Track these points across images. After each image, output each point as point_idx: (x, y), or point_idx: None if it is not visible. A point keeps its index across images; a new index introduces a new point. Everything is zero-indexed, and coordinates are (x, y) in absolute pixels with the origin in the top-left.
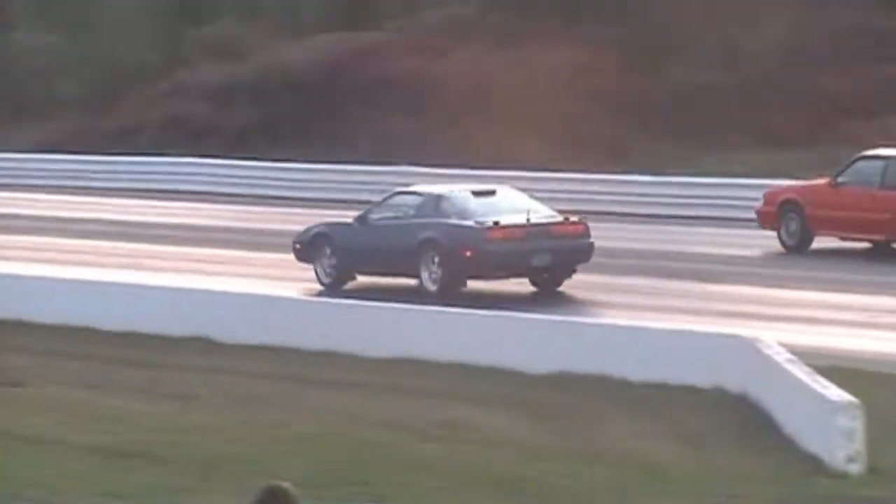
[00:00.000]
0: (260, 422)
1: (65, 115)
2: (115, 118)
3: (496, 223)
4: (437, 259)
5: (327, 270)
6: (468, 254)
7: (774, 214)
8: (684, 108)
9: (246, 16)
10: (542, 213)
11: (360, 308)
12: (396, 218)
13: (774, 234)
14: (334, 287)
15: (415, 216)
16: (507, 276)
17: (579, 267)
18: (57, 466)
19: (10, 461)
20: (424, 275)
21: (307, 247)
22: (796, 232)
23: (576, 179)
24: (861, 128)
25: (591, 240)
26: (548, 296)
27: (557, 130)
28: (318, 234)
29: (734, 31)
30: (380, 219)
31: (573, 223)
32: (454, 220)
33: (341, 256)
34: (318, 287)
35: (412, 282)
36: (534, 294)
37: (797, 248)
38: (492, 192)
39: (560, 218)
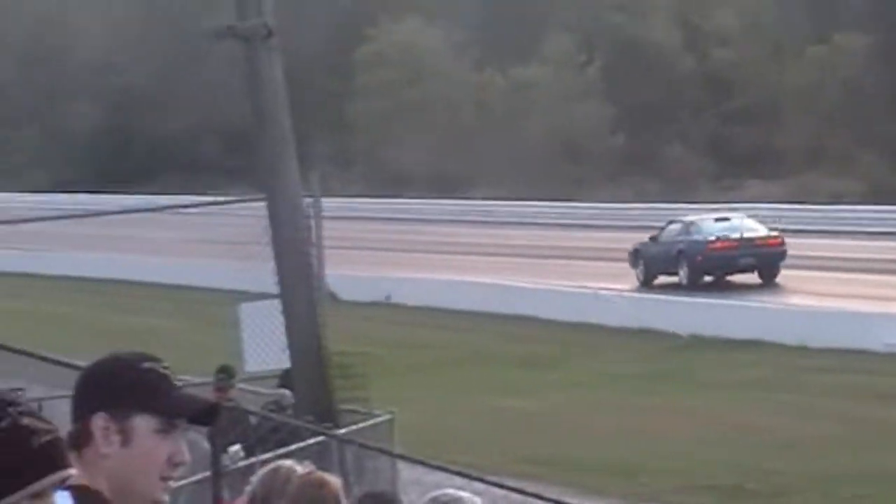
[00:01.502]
0: None
1: None
2: None
3: (717, 238)
4: (684, 262)
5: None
6: (699, 259)
7: (630, 258)
8: None
9: None
10: (755, 232)
11: None
12: (668, 238)
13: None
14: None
15: (676, 235)
16: (725, 275)
17: None
18: None
19: None
20: (681, 273)
21: (630, 256)
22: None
23: None
24: None
25: (784, 248)
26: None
27: None
28: (633, 250)
29: None
30: (662, 239)
31: (772, 237)
32: (694, 238)
33: (646, 264)
34: None
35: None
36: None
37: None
38: (726, 219)
39: (765, 234)
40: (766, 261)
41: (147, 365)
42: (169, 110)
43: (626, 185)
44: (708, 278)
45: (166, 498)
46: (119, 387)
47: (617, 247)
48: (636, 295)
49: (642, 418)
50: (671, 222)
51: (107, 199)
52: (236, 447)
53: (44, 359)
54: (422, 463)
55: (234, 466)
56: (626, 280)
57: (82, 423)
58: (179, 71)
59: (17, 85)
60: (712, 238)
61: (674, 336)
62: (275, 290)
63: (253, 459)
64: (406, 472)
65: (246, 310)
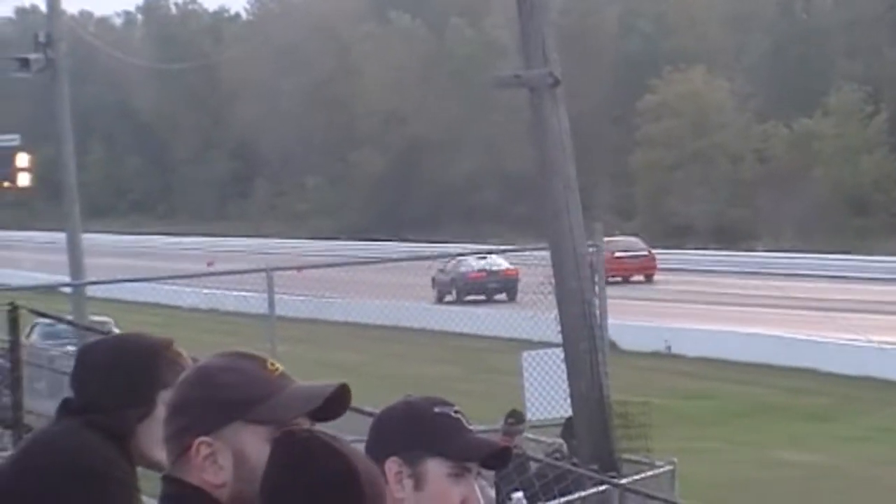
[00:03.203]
0: None
1: None
2: None
3: (475, 270)
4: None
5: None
6: (462, 284)
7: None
8: None
9: None
10: (499, 266)
11: None
12: (449, 269)
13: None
14: None
15: (452, 268)
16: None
17: None
18: None
19: None
20: (453, 293)
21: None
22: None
23: None
24: None
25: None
26: None
27: None
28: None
29: None
30: (446, 270)
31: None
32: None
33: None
34: None
35: None
36: None
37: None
38: (484, 257)
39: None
40: (507, 285)
41: (439, 409)
42: (452, 158)
43: None
44: (470, 297)
45: None
46: (411, 431)
47: None
48: None
49: None
50: (453, 258)
51: (390, 246)
52: (519, 494)
53: None
54: None
55: None
56: None
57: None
58: (462, 119)
59: (304, 134)
60: (472, 270)
61: None
62: (556, 338)
63: None
64: None
65: (528, 358)
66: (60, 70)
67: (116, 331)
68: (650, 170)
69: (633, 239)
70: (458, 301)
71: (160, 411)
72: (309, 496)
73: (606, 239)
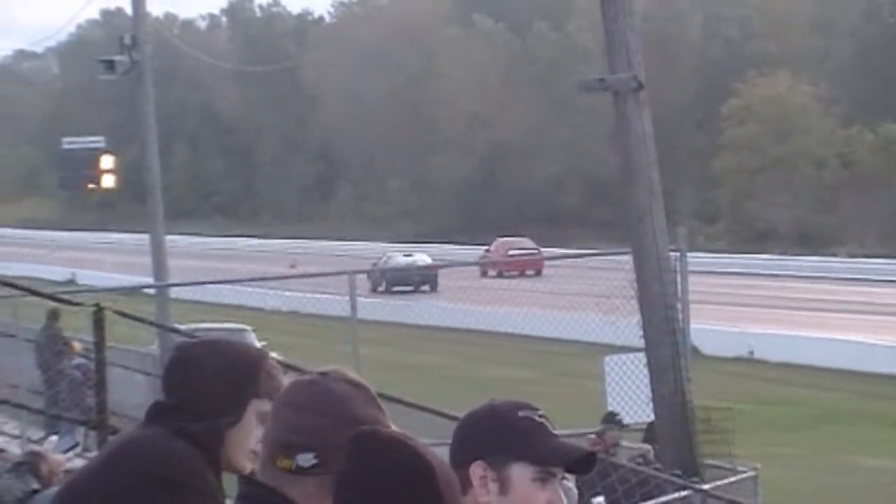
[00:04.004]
0: None
1: None
2: None
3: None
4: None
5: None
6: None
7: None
8: None
9: None
10: (425, 262)
11: None
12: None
13: None
14: None
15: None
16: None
17: None
18: None
19: None
20: (383, 285)
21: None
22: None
23: None
24: None
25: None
26: None
27: None
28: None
29: None
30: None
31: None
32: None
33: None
34: None
35: None
36: None
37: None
38: (410, 255)
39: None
40: (428, 278)
41: (523, 413)
42: (534, 161)
43: None
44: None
45: None
46: (496, 435)
47: None
48: None
49: None
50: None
51: (473, 251)
52: (600, 499)
53: (417, 407)
54: None
55: None
56: None
57: (460, 472)
58: (545, 123)
59: (386, 137)
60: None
61: None
62: (638, 343)
63: None
64: None
65: (610, 362)
66: (145, 72)
67: (256, 341)
68: (733, 174)
69: (523, 239)
70: (387, 291)
71: (250, 420)
72: (386, 492)
73: (501, 239)
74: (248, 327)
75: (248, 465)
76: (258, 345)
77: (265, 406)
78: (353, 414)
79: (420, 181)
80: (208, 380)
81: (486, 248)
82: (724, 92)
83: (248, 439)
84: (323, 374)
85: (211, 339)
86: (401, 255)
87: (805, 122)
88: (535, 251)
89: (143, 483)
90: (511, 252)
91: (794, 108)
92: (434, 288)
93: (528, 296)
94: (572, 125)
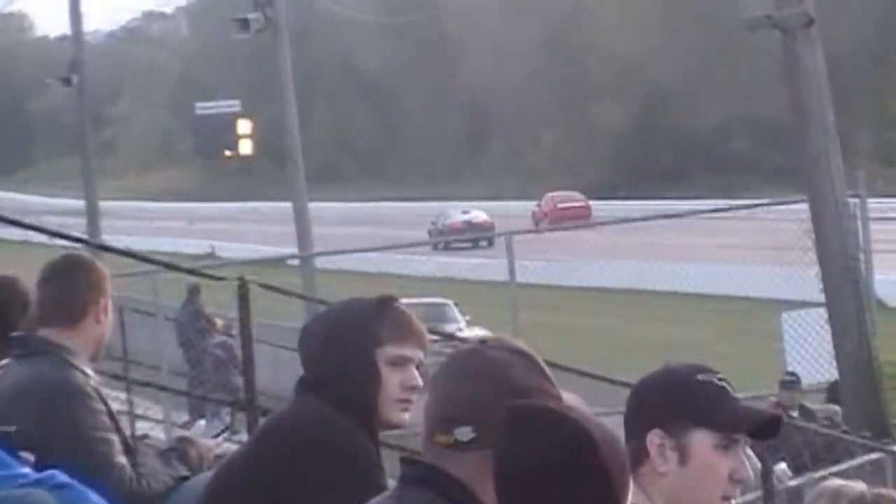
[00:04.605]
0: None
1: None
2: None
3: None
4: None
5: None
6: (447, 232)
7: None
8: None
9: None
10: (480, 218)
11: None
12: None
13: None
14: None
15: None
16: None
17: None
18: None
19: None
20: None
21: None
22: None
23: None
24: None
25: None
26: None
27: None
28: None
29: None
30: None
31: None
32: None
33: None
34: None
35: None
36: None
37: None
38: (467, 211)
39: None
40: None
41: (702, 377)
42: (697, 108)
43: None
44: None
45: None
46: (674, 402)
47: None
48: None
49: None
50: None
51: (634, 205)
52: (783, 465)
53: (583, 374)
54: None
55: (782, 486)
56: None
57: (636, 442)
58: (708, 65)
59: (537, 87)
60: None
61: None
62: (818, 297)
63: (801, 479)
64: None
65: (788, 319)
66: (281, 29)
67: (459, 315)
68: None
69: (573, 193)
70: (446, 248)
71: (385, 371)
72: (543, 470)
73: (550, 194)
74: (450, 301)
75: (401, 416)
76: (461, 320)
77: (391, 350)
78: (513, 383)
79: (576, 132)
80: (326, 345)
81: (536, 203)
82: None
83: (389, 390)
84: (482, 342)
85: (324, 310)
86: (459, 212)
87: None
88: (582, 203)
89: (303, 451)
90: (560, 206)
91: None
92: (491, 243)
93: (699, 251)
94: (738, 66)
